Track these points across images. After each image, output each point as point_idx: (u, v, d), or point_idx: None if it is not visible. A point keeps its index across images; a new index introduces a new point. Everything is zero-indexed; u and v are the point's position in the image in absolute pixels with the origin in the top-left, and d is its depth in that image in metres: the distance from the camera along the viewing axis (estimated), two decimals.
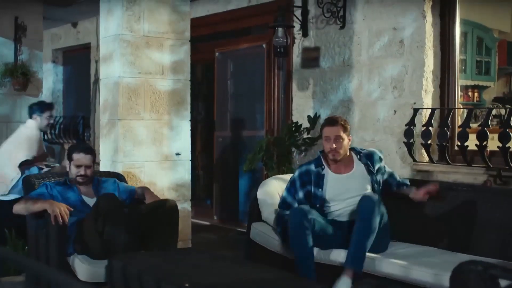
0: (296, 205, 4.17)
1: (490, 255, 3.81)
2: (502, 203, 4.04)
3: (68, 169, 4.36)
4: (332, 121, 4.26)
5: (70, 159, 4.33)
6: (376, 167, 4.27)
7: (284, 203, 4.28)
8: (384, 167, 4.38)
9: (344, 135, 4.19)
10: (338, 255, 3.99)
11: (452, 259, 3.62)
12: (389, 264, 3.80)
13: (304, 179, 4.23)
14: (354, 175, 4.21)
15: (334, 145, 4.16)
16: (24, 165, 5.46)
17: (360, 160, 4.24)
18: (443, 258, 3.82)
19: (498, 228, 3.97)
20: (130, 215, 4.06)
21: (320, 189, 4.17)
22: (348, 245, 3.88)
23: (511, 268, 2.92)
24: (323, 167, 4.22)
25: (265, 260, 4.25)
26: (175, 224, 4.17)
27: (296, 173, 4.32)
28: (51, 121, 5.93)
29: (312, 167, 4.24)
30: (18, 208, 4.14)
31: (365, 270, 3.86)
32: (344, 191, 4.17)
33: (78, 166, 4.28)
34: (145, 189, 4.61)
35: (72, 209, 4.02)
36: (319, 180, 4.18)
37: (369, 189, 4.16)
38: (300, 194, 4.21)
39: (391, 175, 4.38)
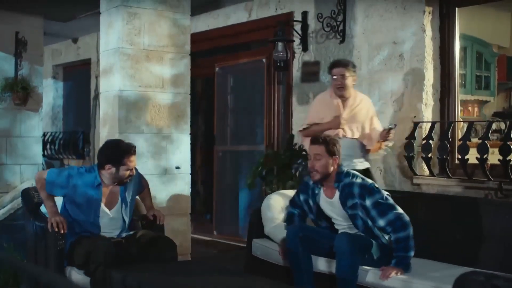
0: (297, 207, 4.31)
1: (492, 268, 3.76)
2: (504, 216, 4.02)
3: (111, 173, 4.09)
4: (315, 140, 4.10)
5: (119, 163, 4.05)
6: (351, 202, 3.95)
7: (291, 202, 4.42)
8: (374, 209, 3.89)
9: (325, 154, 4.01)
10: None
11: (453, 272, 3.59)
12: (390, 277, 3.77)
13: (304, 187, 4.30)
14: (335, 203, 4.09)
15: (312, 163, 4.04)
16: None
17: (337, 188, 4.04)
18: (444, 271, 3.79)
19: (500, 241, 3.95)
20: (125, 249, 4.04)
21: (314, 205, 4.20)
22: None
23: None
24: (319, 186, 4.17)
25: (266, 273, 4.22)
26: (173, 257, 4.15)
27: (304, 180, 4.40)
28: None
29: (310, 182, 4.21)
30: (37, 184, 4.15)
31: (366, 284, 3.83)
32: (330, 214, 4.17)
33: (129, 169, 4.11)
34: (145, 194, 4.57)
35: (65, 231, 3.99)
36: (314, 196, 4.20)
37: (348, 220, 4.04)
38: (302, 197, 4.29)
39: (393, 241, 3.87)
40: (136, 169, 4.33)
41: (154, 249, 4.03)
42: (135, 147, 4.19)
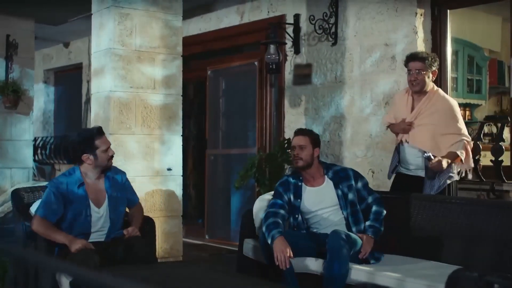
0: (282, 208, 4.18)
1: (485, 267, 3.76)
2: (496, 216, 4.00)
3: (92, 162, 4.02)
4: (296, 132, 4.36)
5: (93, 148, 4.00)
6: (346, 184, 4.21)
7: (272, 206, 4.22)
8: (365, 190, 4.24)
9: (308, 145, 4.20)
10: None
11: (445, 270, 3.56)
12: (383, 276, 3.75)
13: (285, 187, 4.27)
14: (324, 188, 4.25)
15: (296, 152, 4.21)
16: None
17: (326, 174, 4.27)
18: (437, 271, 3.77)
19: (493, 241, 3.93)
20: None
21: (298, 200, 4.23)
22: (323, 255, 3.91)
23: (507, 275, 2.88)
24: (300, 178, 4.28)
25: (258, 273, 4.20)
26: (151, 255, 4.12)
27: (277, 183, 4.37)
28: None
29: (290, 179, 4.31)
30: (37, 230, 3.94)
31: (358, 283, 3.82)
32: (317, 203, 4.22)
33: (107, 150, 4.04)
34: (134, 212, 4.36)
35: (93, 248, 3.86)
36: (297, 190, 4.25)
37: (336, 202, 4.19)
38: (285, 197, 4.24)
39: (373, 212, 4.18)
40: (122, 173, 4.30)
41: (130, 252, 3.94)
42: (100, 127, 4.18)
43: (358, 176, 4.29)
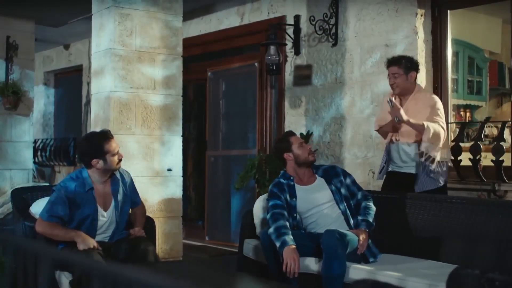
0: (284, 209, 4.16)
1: (485, 267, 3.74)
2: (496, 215, 4.00)
3: (101, 167, 3.98)
4: (292, 132, 4.52)
5: (103, 153, 3.95)
6: (337, 180, 4.29)
7: (275, 207, 4.17)
8: (354, 186, 4.30)
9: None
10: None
11: (447, 270, 3.55)
12: (384, 276, 3.74)
13: (279, 187, 4.26)
14: (318, 186, 4.29)
15: (310, 147, 4.39)
16: None
17: (316, 173, 4.35)
18: (438, 270, 3.76)
19: (493, 240, 3.92)
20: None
21: (294, 199, 4.24)
22: (322, 255, 3.91)
23: (509, 272, 2.87)
24: (291, 178, 4.30)
25: (258, 274, 4.19)
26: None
27: (270, 186, 4.33)
28: None
29: (282, 180, 4.31)
30: (44, 231, 3.92)
31: (356, 282, 3.81)
32: (312, 201, 4.23)
33: (116, 153, 4.00)
34: (137, 212, 4.35)
35: (100, 248, 3.85)
36: (291, 190, 4.26)
37: (332, 197, 4.23)
38: (282, 197, 4.22)
39: (364, 207, 4.21)
40: (128, 174, 4.28)
41: (134, 252, 3.93)
42: (109, 130, 4.14)
43: (345, 172, 4.39)
